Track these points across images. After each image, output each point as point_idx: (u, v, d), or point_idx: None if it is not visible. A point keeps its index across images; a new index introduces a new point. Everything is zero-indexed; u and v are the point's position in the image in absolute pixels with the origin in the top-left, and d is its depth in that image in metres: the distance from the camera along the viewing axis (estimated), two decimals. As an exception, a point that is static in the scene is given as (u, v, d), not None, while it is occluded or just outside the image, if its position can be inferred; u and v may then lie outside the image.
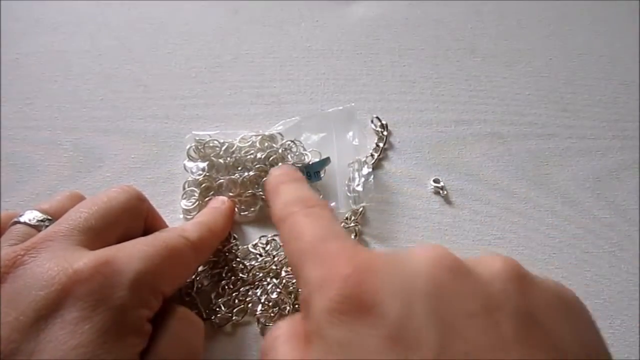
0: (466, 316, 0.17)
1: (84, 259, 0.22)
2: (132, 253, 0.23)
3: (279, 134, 0.35)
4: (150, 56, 0.41)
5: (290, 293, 0.31)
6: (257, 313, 0.30)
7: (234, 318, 0.30)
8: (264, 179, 0.33)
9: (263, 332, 0.30)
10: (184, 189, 0.34)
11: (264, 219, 0.33)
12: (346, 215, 0.34)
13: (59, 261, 0.22)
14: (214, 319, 0.30)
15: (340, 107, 0.37)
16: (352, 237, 0.33)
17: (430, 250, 0.19)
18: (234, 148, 0.34)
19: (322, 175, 0.34)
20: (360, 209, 0.34)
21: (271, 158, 0.34)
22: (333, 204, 0.34)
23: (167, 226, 0.30)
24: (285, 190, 0.25)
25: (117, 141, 0.36)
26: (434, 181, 0.36)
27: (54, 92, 0.38)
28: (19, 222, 0.25)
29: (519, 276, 0.18)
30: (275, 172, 0.28)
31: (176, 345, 0.24)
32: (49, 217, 0.25)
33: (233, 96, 0.39)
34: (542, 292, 0.19)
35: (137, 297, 0.22)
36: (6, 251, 0.22)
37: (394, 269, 0.18)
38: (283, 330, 0.20)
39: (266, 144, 0.34)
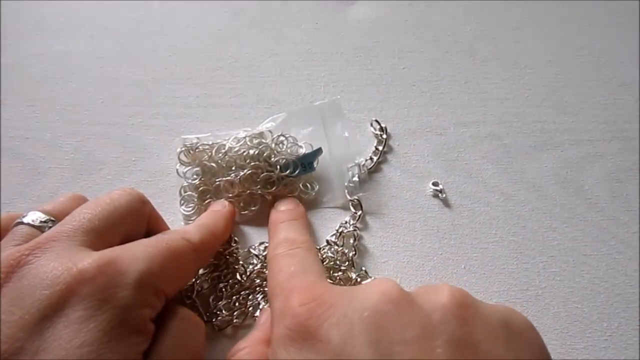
0: (403, 343, 0.19)
1: (88, 259, 0.22)
2: (136, 254, 0.23)
3: (269, 130, 0.35)
4: (151, 59, 0.41)
5: None
6: (256, 315, 0.30)
7: (234, 321, 0.30)
8: (263, 174, 0.33)
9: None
10: (180, 194, 0.34)
11: (265, 219, 0.34)
12: (346, 219, 0.34)
13: (63, 261, 0.22)
14: (214, 321, 0.30)
15: (325, 100, 0.38)
16: (351, 241, 0.33)
17: (379, 284, 0.21)
18: (225, 149, 0.34)
19: (315, 165, 0.34)
20: (360, 213, 0.34)
21: (265, 154, 0.34)
22: (330, 195, 0.35)
23: (168, 228, 0.31)
24: (280, 229, 0.30)
25: (117, 143, 0.37)
26: (433, 184, 0.36)
27: (55, 94, 0.39)
28: (22, 223, 0.25)
29: (461, 306, 0.20)
30: (279, 208, 0.32)
31: (178, 345, 0.24)
32: (52, 218, 0.26)
33: (233, 99, 0.39)
34: (485, 321, 0.20)
35: (140, 297, 0.22)
36: (10, 251, 0.23)
37: (343, 302, 0.21)
38: (245, 352, 0.24)
39: (256, 141, 0.34)
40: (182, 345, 0.24)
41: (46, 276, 0.21)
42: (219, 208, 0.32)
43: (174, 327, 0.24)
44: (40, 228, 0.25)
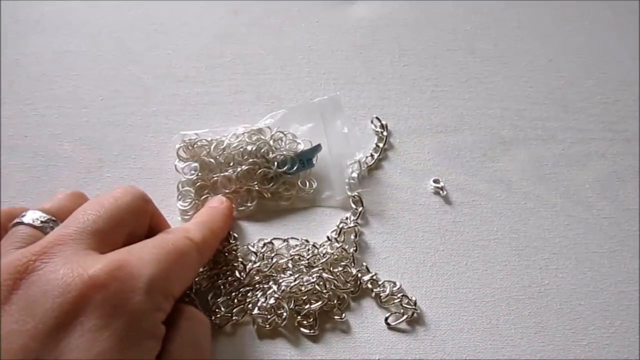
0: None
1: (99, 264, 0.22)
2: (144, 257, 0.23)
3: (267, 127, 0.35)
4: (150, 57, 0.41)
5: (289, 299, 0.30)
6: (254, 313, 0.30)
7: (234, 318, 0.30)
8: (259, 171, 0.33)
9: (259, 333, 0.30)
10: (178, 190, 0.34)
11: (263, 215, 0.33)
12: (346, 215, 0.34)
13: (73, 267, 0.21)
14: (213, 319, 0.30)
15: (325, 96, 0.37)
16: (352, 237, 0.33)
17: None
18: (223, 145, 0.34)
19: (314, 162, 0.34)
20: (360, 209, 0.34)
21: (262, 150, 0.34)
22: (329, 192, 0.35)
23: (170, 226, 0.30)
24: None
25: (117, 141, 0.36)
26: (434, 181, 0.36)
27: (54, 92, 0.39)
28: (22, 223, 0.24)
29: None
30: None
31: (187, 344, 0.24)
32: (53, 218, 0.25)
33: (233, 96, 0.39)
34: None
35: (152, 301, 0.22)
36: (15, 256, 0.22)
37: None
38: None
39: (255, 138, 0.34)
40: (191, 344, 0.24)
41: (57, 283, 0.21)
42: (217, 204, 0.32)
43: (182, 327, 0.24)
44: (41, 229, 0.24)
